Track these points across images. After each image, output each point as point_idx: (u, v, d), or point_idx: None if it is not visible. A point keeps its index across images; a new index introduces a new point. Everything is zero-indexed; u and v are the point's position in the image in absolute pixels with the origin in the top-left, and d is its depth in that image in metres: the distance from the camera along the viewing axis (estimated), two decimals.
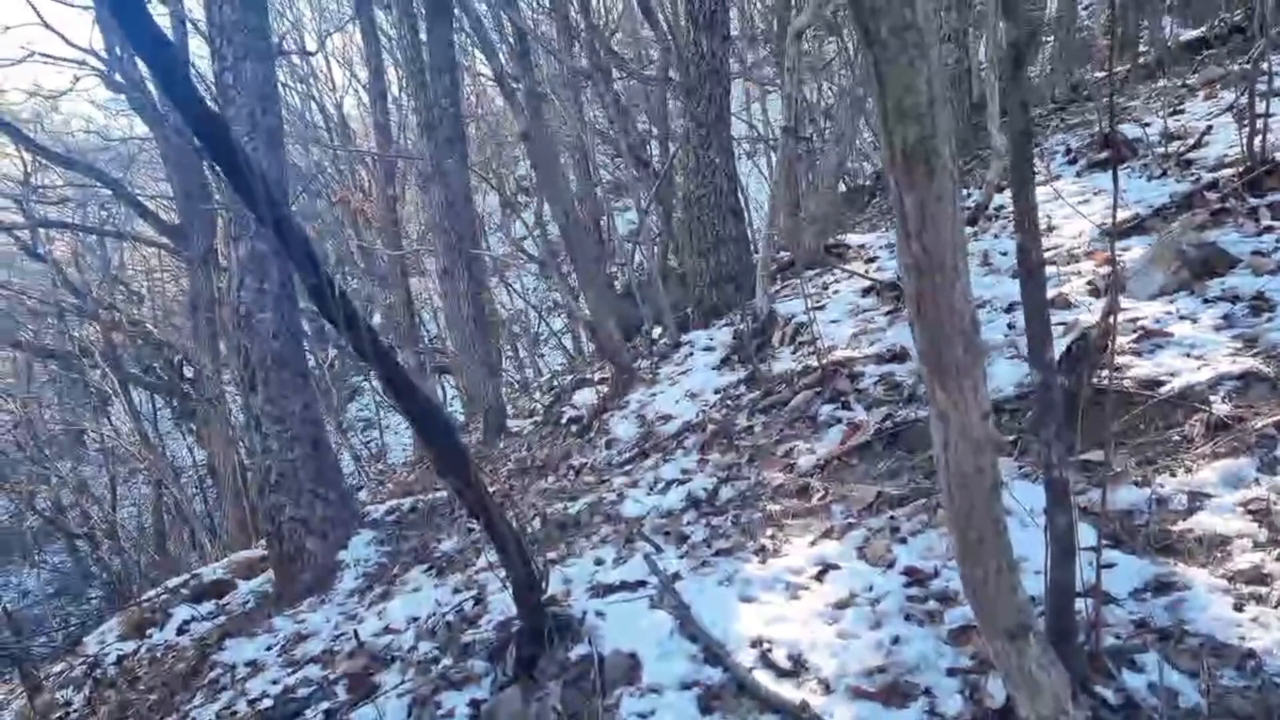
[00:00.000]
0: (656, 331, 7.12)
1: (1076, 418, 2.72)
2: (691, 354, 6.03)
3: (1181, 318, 3.51)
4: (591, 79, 8.97)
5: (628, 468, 4.78)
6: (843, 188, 9.27)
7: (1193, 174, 5.02)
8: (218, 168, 2.05)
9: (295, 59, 15.41)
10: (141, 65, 10.55)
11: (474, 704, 2.73)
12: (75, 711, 4.37)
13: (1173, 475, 2.61)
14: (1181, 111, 6.63)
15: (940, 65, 1.28)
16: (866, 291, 5.54)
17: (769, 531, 3.28)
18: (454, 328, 8.02)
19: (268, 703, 3.41)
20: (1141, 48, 9.97)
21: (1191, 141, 5.42)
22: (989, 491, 1.60)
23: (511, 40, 8.17)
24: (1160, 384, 3.04)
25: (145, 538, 12.45)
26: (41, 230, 13.19)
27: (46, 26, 10.07)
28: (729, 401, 4.97)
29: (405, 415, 2.48)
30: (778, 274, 6.82)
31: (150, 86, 10.81)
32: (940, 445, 1.59)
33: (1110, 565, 2.28)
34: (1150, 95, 8.11)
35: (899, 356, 4.35)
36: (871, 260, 6.15)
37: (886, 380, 4.21)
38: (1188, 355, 3.19)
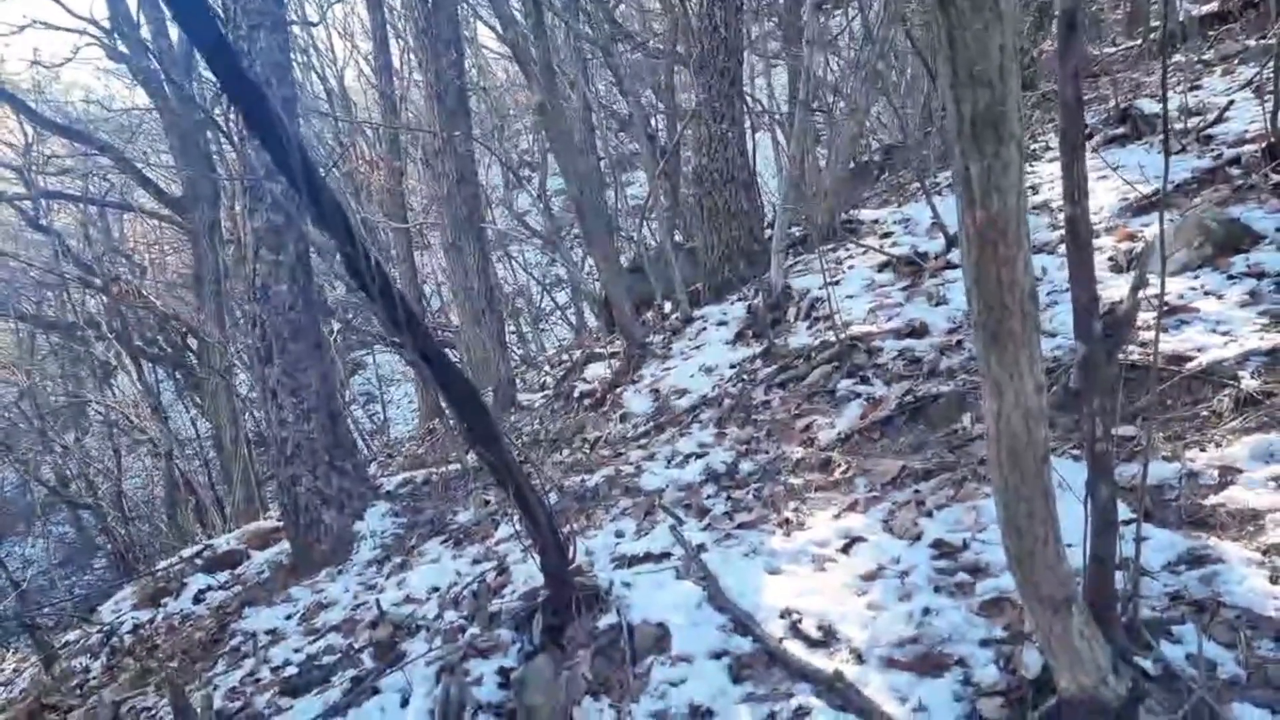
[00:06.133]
0: (667, 306, 7.10)
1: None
2: (704, 329, 6.01)
3: (1206, 293, 3.50)
4: (606, 50, 8.87)
5: (643, 441, 4.79)
6: (850, 163, 9.20)
7: (1213, 150, 4.98)
8: (258, 138, 2.03)
9: (296, 30, 15.22)
10: (149, 36, 10.43)
11: (502, 672, 2.75)
12: (94, 679, 4.40)
13: (1202, 450, 2.62)
14: (1199, 87, 6.57)
15: (1014, 32, 1.27)
16: (882, 267, 5.52)
17: (792, 505, 3.30)
18: (460, 302, 7.98)
19: (292, 670, 3.44)
20: (1154, 23, 9.85)
21: (1211, 117, 5.38)
22: (1040, 463, 1.60)
23: (520, 12, 8.06)
24: (1186, 359, 3.04)
25: (153, 508, 12.50)
26: (44, 201, 13.08)
27: None
28: (744, 376, 4.97)
29: (437, 385, 2.48)
30: (790, 249, 6.79)
31: (152, 57, 10.69)
32: (992, 416, 1.59)
33: (1143, 539, 2.29)
34: (1165, 71, 8.02)
35: (918, 331, 4.35)
36: (886, 235, 6.13)
37: (906, 355, 4.20)
38: (1214, 331, 3.19)
